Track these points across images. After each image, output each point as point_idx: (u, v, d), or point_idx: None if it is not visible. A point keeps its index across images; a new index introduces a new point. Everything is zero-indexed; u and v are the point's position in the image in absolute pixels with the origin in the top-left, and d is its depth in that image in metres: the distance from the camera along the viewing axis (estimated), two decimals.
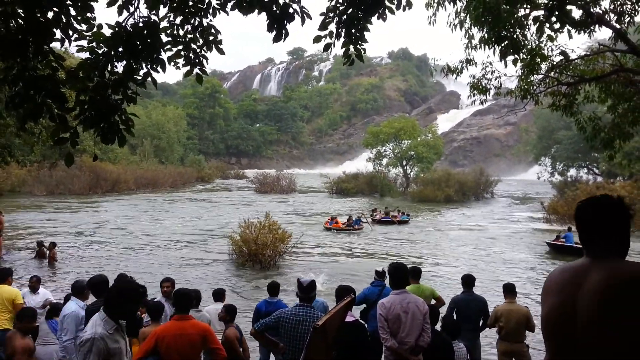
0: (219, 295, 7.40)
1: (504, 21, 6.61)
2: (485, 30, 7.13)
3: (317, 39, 3.84)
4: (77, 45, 3.23)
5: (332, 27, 3.83)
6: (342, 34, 3.84)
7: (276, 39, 3.55)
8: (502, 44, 6.94)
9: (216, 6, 3.65)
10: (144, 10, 3.32)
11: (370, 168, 49.86)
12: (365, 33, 3.85)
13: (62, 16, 3.06)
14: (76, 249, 17.92)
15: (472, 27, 7.53)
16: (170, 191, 50.35)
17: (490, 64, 8.76)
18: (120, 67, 3.37)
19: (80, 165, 42.65)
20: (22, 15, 2.95)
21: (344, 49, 3.94)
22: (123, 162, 55.50)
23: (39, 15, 2.93)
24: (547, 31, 6.88)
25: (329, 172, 61.38)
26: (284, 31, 3.52)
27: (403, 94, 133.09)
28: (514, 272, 15.46)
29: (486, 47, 7.39)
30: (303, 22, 3.60)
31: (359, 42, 3.89)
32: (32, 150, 17.86)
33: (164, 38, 3.54)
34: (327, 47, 3.88)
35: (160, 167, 61.87)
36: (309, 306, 4.56)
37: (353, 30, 3.80)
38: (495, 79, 8.84)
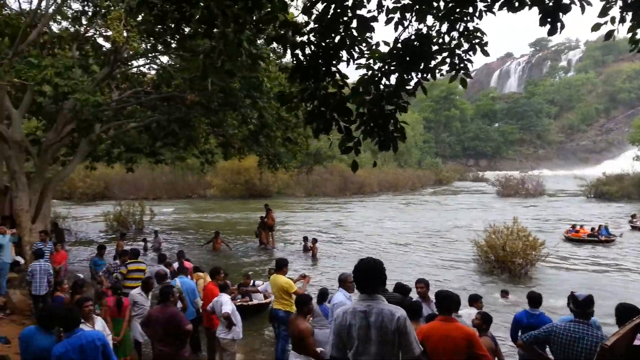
0: (474, 300, 7.28)
1: None
2: None
3: (595, 27, 3.46)
4: (356, 64, 3.63)
5: (614, 12, 3.39)
6: (628, 18, 3.37)
7: (551, 32, 3.33)
8: None
9: (483, 9, 3.62)
10: (415, 24, 3.52)
11: (638, 168, 42.20)
12: None
13: (347, 39, 3.48)
14: (332, 245, 19.94)
15: None
16: (410, 193, 51.75)
17: None
18: (392, 79, 3.64)
19: (331, 170, 47.53)
20: (315, 42, 3.46)
21: (629, 34, 3.44)
22: (367, 166, 59.47)
23: (328, 40, 3.39)
24: None
25: (584, 173, 54.28)
26: (559, 23, 3.27)
27: None
28: None
29: None
30: (583, 10, 3.29)
31: None
32: (295, 157, 20.45)
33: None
34: (609, 35, 3.46)
35: (399, 170, 64.17)
36: (586, 323, 4.13)
37: None
38: None
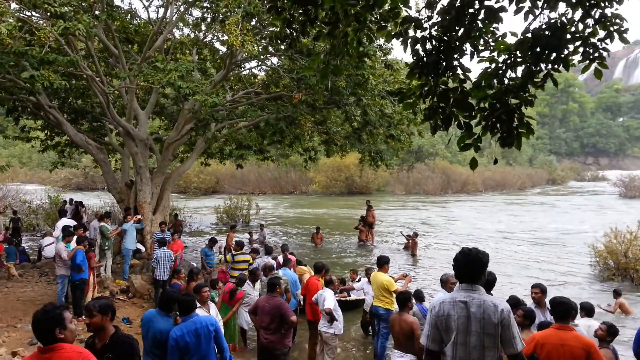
0: (589, 310, 6.73)
1: None
2: None
3: None
4: (479, 57, 3.48)
5: None
6: None
7: None
8: None
9: None
10: (546, 12, 3.29)
11: None
12: None
13: (472, 31, 3.36)
14: (430, 244, 19.46)
15: None
16: (518, 193, 48.91)
17: None
18: (518, 72, 3.45)
19: (433, 168, 46.42)
20: (436, 36, 3.38)
21: None
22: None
23: (452, 34, 3.30)
24: None
25: None
26: None
27: None
28: None
29: None
30: None
31: None
32: (397, 155, 20.22)
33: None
34: None
35: (507, 168, 60.96)
36: None
37: None
38: None
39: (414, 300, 6.91)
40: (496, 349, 3.19)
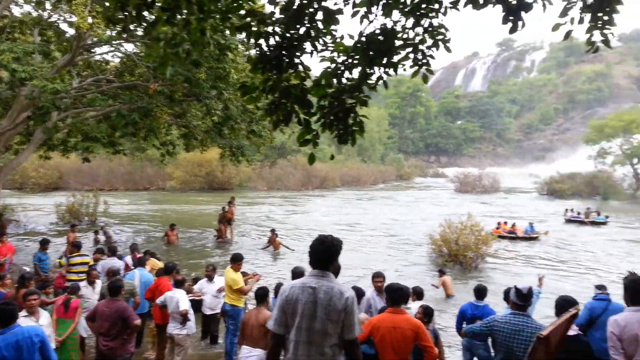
0: (420, 294, 7.38)
1: None
2: None
3: (555, 27, 3.52)
4: (320, 56, 3.59)
5: (574, 12, 3.47)
6: (586, 19, 3.45)
7: (512, 31, 3.39)
8: None
9: (448, 5, 3.64)
10: (380, 19, 3.51)
11: (590, 168, 44.00)
12: (614, 16, 3.39)
13: (312, 31, 3.43)
14: (288, 238, 19.83)
15: None
16: (370, 188, 52.27)
17: None
18: (355, 73, 3.63)
19: (294, 164, 47.51)
20: (279, 33, 3.40)
21: (587, 35, 3.53)
22: (330, 160, 59.67)
23: (293, 32, 3.34)
24: None
25: (539, 171, 56.15)
26: (520, 22, 3.33)
27: (636, 82, 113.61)
28: None
29: None
30: (544, 9, 3.35)
31: (606, 27, 3.44)
32: (258, 151, 20.28)
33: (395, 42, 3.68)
34: (568, 35, 3.53)
35: (362, 165, 64.74)
36: (525, 315, 4.29)
37: (600, 14, 3.38)
38: None
39: (272, 295, 6.97)
40: (337, 335, 3.26)
